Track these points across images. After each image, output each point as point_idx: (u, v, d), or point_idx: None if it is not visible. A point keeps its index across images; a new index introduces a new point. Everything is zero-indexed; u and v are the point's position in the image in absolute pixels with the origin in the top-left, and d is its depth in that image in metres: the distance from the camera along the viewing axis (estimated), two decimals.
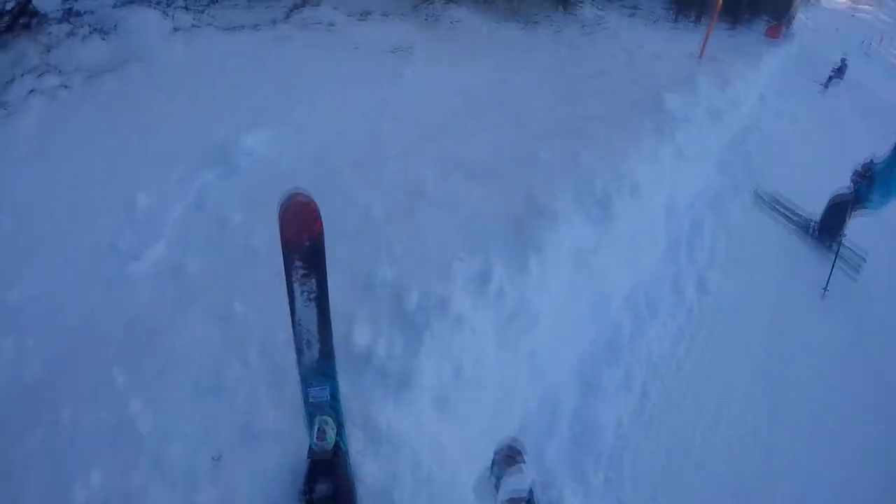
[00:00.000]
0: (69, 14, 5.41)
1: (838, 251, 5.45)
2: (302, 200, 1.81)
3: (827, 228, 5.70)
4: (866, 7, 63.10)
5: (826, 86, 17.84)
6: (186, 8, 7.16)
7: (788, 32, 24.09)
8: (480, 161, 4.18)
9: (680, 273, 4.59)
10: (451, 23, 9.61)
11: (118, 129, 4.06)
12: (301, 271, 1.87)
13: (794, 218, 6.05)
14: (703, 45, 11.45)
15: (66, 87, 4.47)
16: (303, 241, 1.83)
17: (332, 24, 7.64)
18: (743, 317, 4.67)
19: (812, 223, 5.89)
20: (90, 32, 5.30)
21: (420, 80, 6.30)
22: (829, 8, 50.33)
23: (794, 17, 26.63)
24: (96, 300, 2.83)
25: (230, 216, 3.45)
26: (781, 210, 6.15)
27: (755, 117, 9.59)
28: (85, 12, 5.56)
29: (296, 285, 1.88)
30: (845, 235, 5.51)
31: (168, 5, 6.82)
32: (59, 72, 4.59)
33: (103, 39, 5.37)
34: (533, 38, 10.35)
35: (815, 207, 5.85)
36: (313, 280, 1.89)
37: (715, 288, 4.78)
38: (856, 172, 5.37)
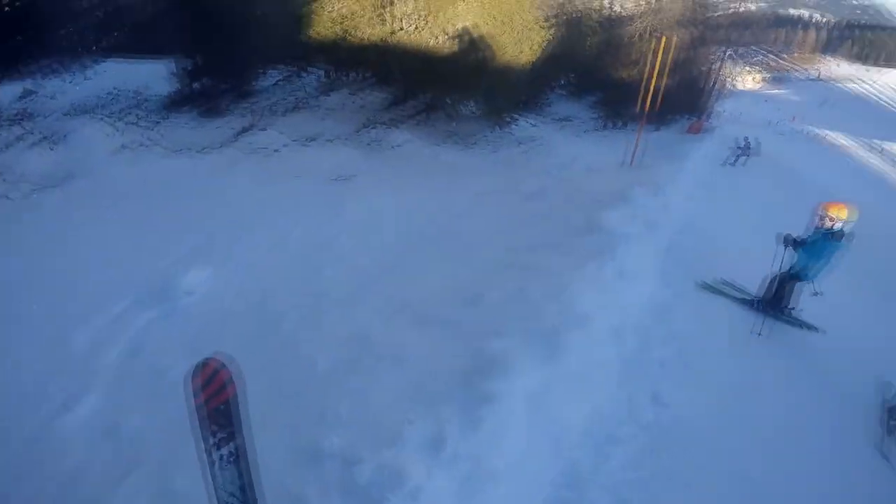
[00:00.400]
0: (23, 116, 5.40)
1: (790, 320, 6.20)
2: (213, 367, 1.83)
3: (770, 301, 6.36)
4: (776, 91, 69.18)
5: (733, 163, 19.33)
6: (137, 124, 7.28)
7: (709, 126, 26.00)
8: (426, 303, 4.24)
9: (634, 393, 4.60)
10: (392, 147, 10.03)
11: (55, 254, 3.98)
12: (218, 436, 1.86)
13: (740, 297, 6.68)
14: (633, 154, 12.21)
15: (7, 197, 4.37)
16: (216, 407, 1.83)
17: (277, 150, 7.86)
18: (703, 421, 4.69)
19: (756, 299, 6.53)
20: (40, 140, 5.30)
21: (362, 213, 6.44)
22: (745, 92, 54.72)
23: (712, 111, 28.83)
24: (19, 461, 2.63)
25: (169, 366, 3.33)
26: (728, 293, 6.78)
27: (687, 216, 10.09)
28: (38, 116, 5.57)
29: (213, 451, 1.88)
30: (793, 308, 6.22)
31: (119, 119, 6.93)
32: (3, 179, 4.51)
33: (51, 149, 5.37)
34: (472, 159, 10.86)
35: (752, 282, 6.46)
36: (232, 444, 1.87)
37: (670, 399, 4.79)
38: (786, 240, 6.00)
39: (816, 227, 5.89)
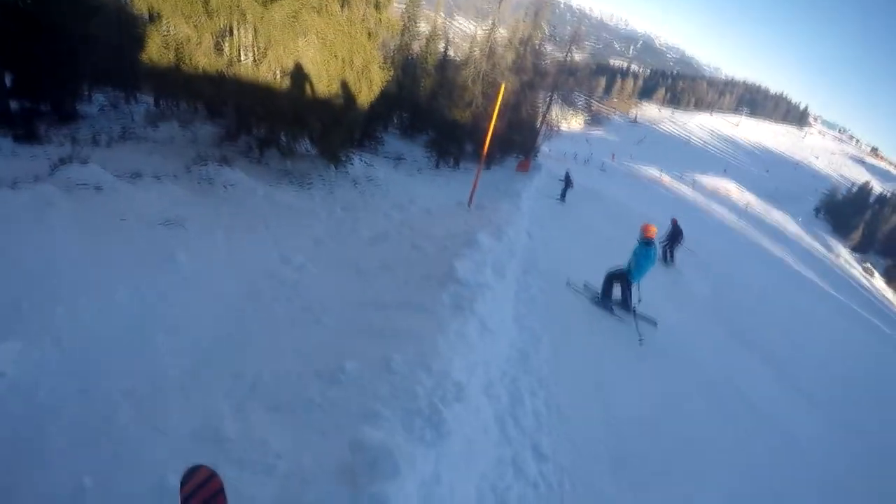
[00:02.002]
0: None
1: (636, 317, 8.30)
2: (205, 474, 2.04)
3: (604, 294, 8.77)
4: (597, 132, 77.32)
5: (561, 198, 21.04)
6: None
7: (535, 164, 28.02)
8: (280, 380, 3.77)
9: (516, 452, 4.50)
10: (224, 187, 9.27)
11: None
12: None
13: (588, 293, 9.08)
14: (471, 196, 12.60)
15: None
16: None
17: (98, 188, 6.86)
18: (582, 461, 4.75)
19: (596, 294, 8.95)
20: None
21: (196, 264, 5.78)
22: (568, 133, 60.32)
23: (538, 151, 31.13)
24: None
25: None
26: (582, 291, 9.10)
27: (530, 254, 10.55)
28: None
29: None
30: (639, 301, 8.42)
31: None
32: None
33: None
34: (308, 202, 10.41)
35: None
36: None
37: (550, 451, 4.79)
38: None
39: (639, 241, 8.44)
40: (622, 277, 8.61)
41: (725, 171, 75.40)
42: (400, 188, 14.03)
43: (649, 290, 9.34)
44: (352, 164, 13.58)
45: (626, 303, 8.57)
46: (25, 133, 8.83)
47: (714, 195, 55.33)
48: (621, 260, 9.17)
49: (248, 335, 4.58)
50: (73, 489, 2.66)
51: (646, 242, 8.33)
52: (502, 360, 5.48)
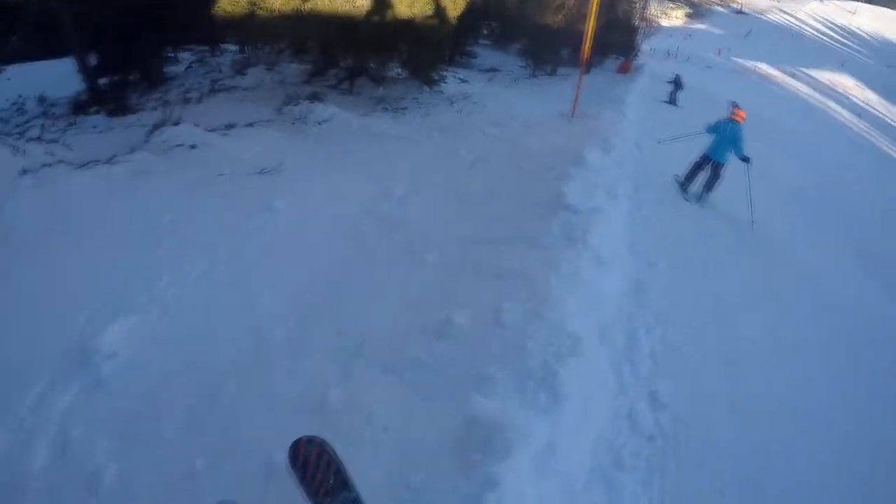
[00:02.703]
0: None
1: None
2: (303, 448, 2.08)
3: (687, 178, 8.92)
4: (700, 26, 70.56)
5: (670, 101, 19.34)
6: (40, 138, 6.27)
7: (637, 64, 25.91)
8: (387, 337, 3.55)
9: (632, 403, 4.11)
10: (318, 123, 9.10)
11: None
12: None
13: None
14: (574, 106, 11.68)
15: None
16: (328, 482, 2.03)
17: (194, 146, 6.91)
18: (701, 416, 4.34)
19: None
20: None
21: (295, 211, 5.64)
22: (669, 28, 55.40)
23: (638, 50, 28.77)
24: None
25: (103, 467, 2.63)
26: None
27: (640, 168, 9.69)
28: None
29: None
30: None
31: (20, 136, 5.95)
32: None
33: None
34: (404, 127, 10.02)
35: None
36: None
37: (667, 397, 4.37)
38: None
39: (727, 118, 8.63)
40: (713, 164, 8.73)
41: (843, 65, 66.64)
42: (497, 103, 13.23)
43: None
44: (445, 82, 12.92)
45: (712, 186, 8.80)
46: (118, 106, 8.86)
47: (830, 92, 49.31)
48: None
49: (351, 284, 4.39)
50: (185, 473, 2.63)
51: (731, 121, 8.64)
52: (617, 295, 5.00)
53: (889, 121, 49.80)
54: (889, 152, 35.39)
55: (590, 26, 11.14)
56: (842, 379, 5.43)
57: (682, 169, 9.03)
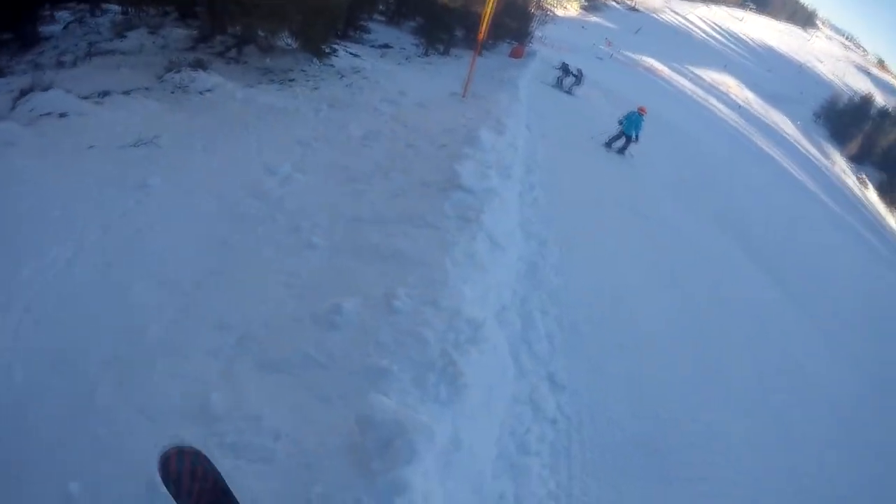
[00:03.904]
0: None
1: None
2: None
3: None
4: (593, 18, 73.18)
5: (557, 85, 19.96)
6: None
7: (529, 50, 26.35)
8: (270, 330, 3.20)
9: (533, 388, 4.01)
10: (201, 93, 8.32)
11: None
12: None
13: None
14: (467, 86, 11.55)
15: None
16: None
17: (64, 115, 6.11)
18: (601, 395, 4.34)
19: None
20: None
21: (170, 191, 5.07)
22: (564, 19, 56.85)
23: (532, 37, 29.31)
24: None
25: None
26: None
27: (531, 148, 9.74)
28: None
29: None
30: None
31: None
32: None
33: None
34: (292, 101, 9.40)
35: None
36: None
37: (565, 379, 4.33)
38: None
39: (634, 112, 13.25)
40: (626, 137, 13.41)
41: (726, 66, 72.19)
42: (389, 79, 12.83)
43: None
44: (337, 55, 12.43)
45: (624, 149, 13.57)
46: None
47: (713, 90, 53.17)
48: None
49: (233, 270, 3.97)
50: (60, 499, 2.22)
51: (635, 113, 13.37)
52: (513, 277, 4.88)
53: (764, 119, 54.43)
54: (761, 146, 38.80)
55: (488, 8, 11.01)
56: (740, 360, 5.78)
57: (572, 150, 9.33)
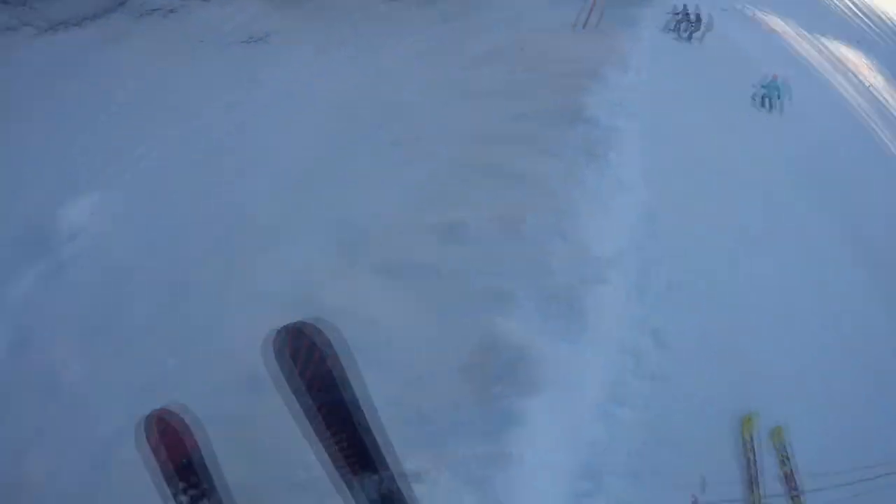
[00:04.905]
0: None
1: None
2: (162, 417, 1.59)
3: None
4: None
5: (675, 30, 18.48)
6: (5, 1, 5.60)
7: None
8: (389, 234, 3.12)
9: (640, 335, 3.81)
10: None
11: None
12: (189, 494, 1.58)
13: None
14: (588, 17, 10.87)
15: None
16: (180, 463, 1.58)
17: (172, 10, 6.19)
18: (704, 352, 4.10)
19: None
20: None
21: (282, 86, 5.04)
22: None
23: None
24: None
25: (63, 367, 2.32)
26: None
27: (655, 98, 9.11)
28: None
29: None
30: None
31: None
32: None
33: None
34: (405, 11, 9.12)
35: None
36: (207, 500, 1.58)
37: (669, 338, 4.10)
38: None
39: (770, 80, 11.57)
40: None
41: (858, 42, 64.55)
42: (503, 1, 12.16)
43: None
44: None
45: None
46: None
47: (840, 66, 48.18)
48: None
49: (344, 172, 3.88)
50: (154, 377, 2.28)
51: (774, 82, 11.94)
52: (634, 223, 4.61)
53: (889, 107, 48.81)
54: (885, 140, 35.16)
55: None
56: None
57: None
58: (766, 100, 11.95)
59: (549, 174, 3.86)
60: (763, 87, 12.01)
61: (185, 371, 2.21)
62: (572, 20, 11.57)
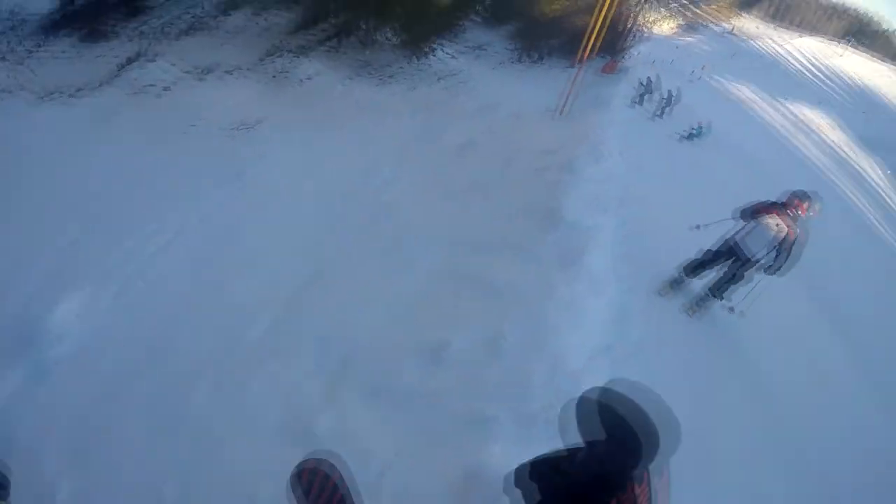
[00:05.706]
0: None
1: None
2: (311, 468, 1.80)
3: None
4: (689, 39, 70.72)
5: (639, 102, 19.52)
6: (4, 58, 5.70)
7: (622, 66, 25.77)
8: (376, 356, 3.23)
9: None
10: (301, 81, 8.62)
11: None
12: None
13: None
14: (565, 103, 11.48)
15: None
16: None
17: (167, 88, 6.36)
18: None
19: None
20: None
21: (271, 184, 5.18)
22: (659, 37, 54.94)
23: (626, 53, 28.61)
24: None
25: (53, 487, 2.27)
26: None
27: (624, 182, 9.55)
28: None
29: None
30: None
31: None
32: None
33: None
34: (389, 98, 9.60)
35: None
36: None
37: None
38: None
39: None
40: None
41: (820, 103, 67.66)
42: (484, 85, 12.93)
43: None
44: (434, 55, 12.56)
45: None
46: (90, 31, 7.92)
47: (803, 127, 50.32)
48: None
49: (333, 280, 4.01)
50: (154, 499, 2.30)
51: None
52: (603, 326, 4.84)
53: (853, 164, 50.51)
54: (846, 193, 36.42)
55: (598, 20, 10.88)
56: None
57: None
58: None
59: (526, 283, 4.09)
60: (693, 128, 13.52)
61: (184, 500, 2.29)
62: (548, 104, 12.22)
